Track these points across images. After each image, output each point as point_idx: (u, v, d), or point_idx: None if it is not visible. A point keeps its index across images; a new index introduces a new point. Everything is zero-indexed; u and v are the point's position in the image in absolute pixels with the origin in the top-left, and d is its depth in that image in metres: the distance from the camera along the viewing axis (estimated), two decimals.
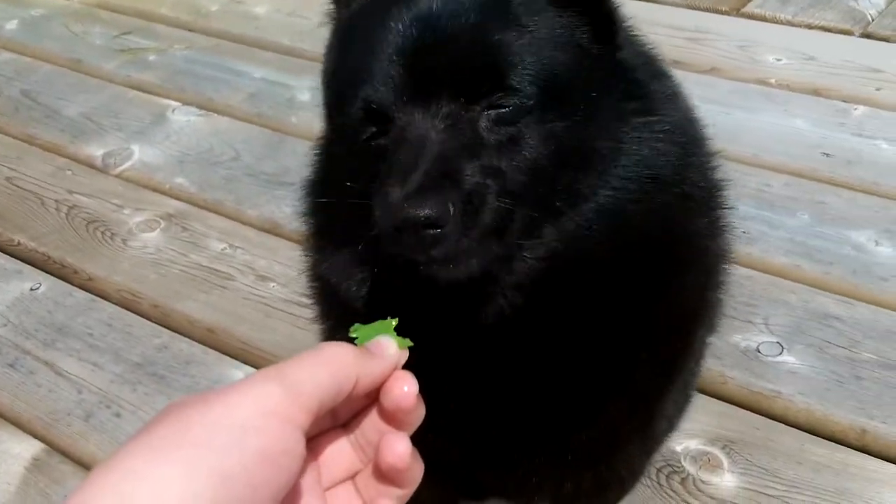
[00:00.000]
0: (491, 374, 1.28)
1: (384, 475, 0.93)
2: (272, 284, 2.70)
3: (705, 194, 1.32)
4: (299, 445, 0.83)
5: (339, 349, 0.90)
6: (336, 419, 0.96)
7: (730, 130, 3.15)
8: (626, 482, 1.70)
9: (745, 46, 3.77)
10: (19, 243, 2.95)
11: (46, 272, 2.84)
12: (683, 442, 2.16)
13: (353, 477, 0.97)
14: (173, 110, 3.63)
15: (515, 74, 1.14)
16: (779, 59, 3.70)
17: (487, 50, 1.15)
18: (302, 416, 0.83)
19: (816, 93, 3.49)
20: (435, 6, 1.17)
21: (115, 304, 2.70)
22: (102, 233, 2.97)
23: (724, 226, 1.42)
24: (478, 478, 1.54)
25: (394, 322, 1.00)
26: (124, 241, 2.94)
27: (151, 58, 4.05)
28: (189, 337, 2.57)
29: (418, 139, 1.11)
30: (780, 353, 2.38)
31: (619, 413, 1.38)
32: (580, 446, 1.40)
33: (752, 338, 2.41)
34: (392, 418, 0.94)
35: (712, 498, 2.08)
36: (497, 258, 1.16)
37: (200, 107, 3.66)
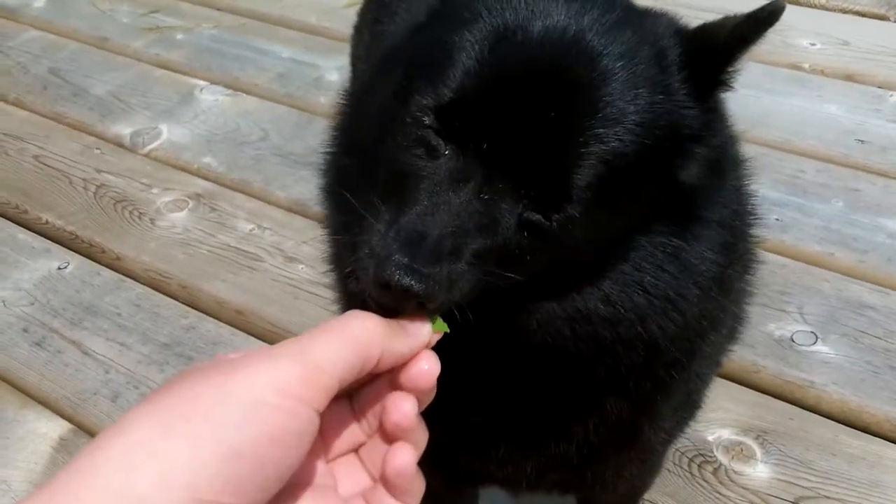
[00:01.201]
0: (472, 373, 1.26)
1: (390, 436, 0.91)
2: (300, 266, 2.69)
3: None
4: (312, 426, 0.80)
5: (367, 323, 0.88)
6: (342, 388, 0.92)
7: (761, 115, 3.12)
8: (616, 485, 1.67)
9: (779, 30, 3.67)
10: (47, 222, 2.95)
11: (74, 251, 2.83)
12: (716, 431, 2.14)
13: (356, 449, 0.94)
14: (201, 89, 3.61)
15: (581, 194, 1.04)
16: (812, 44, 3.66)
17: (579, 160, 1.04)
18: (318, 397, 0.81)
19: (850, 78, 3.45)
20: (577, 52, 1.06)
21: (143, 283, 2.70)
22: (130, 212, 2.97)
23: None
24: (467, 466, 1.53)
25: None
26: (152, 220, 2.93)
27: (179, 36, 4.04)
28: (217, 318, 2.57)
29: (456, 197, 1.03)
30: (814, 343, 2.35)
31: (594, 430, 1.36)
32: (557, 452, 1.39)
33: (785, 327, 2.38)
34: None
35: (745, 488, 2.06)
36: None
37: (227, 86, 3.65)
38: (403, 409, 0.89)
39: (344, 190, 1.19)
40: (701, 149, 1.13)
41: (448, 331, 0.97)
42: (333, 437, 0.92)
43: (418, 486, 0.90)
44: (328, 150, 1.36)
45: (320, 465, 0.90)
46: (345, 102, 1.39)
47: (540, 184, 1.04)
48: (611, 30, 1.08)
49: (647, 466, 1.68)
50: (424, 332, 0.93)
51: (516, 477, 1.48)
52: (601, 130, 1.03)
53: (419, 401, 0.91)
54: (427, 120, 1.06)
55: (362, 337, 0.86)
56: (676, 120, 1.10)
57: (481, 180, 1.03)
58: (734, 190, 1.27)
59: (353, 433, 0.94)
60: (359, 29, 2.41)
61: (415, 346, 0.91)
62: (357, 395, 0.94)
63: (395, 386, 0.92)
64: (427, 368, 0.91)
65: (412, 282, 0.94)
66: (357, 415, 0.94)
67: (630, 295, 1.14)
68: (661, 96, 1.08)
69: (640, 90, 1.07)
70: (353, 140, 1.30)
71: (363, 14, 2.37)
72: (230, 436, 0.75)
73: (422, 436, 0.92)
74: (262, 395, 0.77)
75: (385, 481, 0.89)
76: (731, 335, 1.51)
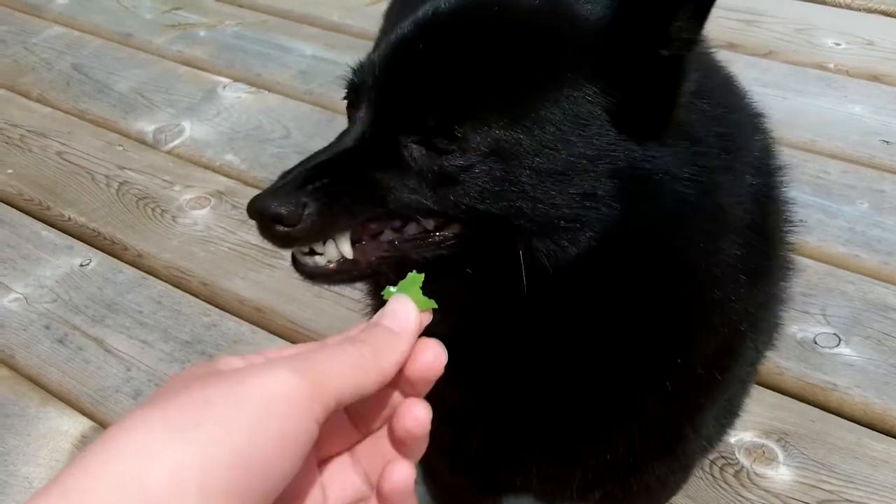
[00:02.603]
0: (507, 378, 1.25)
1: (397, 441, 0.89)
2: None
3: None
4: (313, 439, 0.80)
5: (363, 350, 0.86)
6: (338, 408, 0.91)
7: (786, 115, 3.10)
8: (659, 493, 1.66)
9: (803, 29, 3.71)
10: (70, 218, 2.96)
11: (96, 248, 2.84)
12: (738, 434, 2.12)
13: (350, 449, 0.93)
14: (224, 87, 3.62)
15: (468, 127, 1.05)
16: (837, 44, 3.64)
17: (455, 91, 1.07)
18: (321, 411, 0.80)
19: (876, 78, 3.43)
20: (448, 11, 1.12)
21: (165, 281, 2.70)
22: (153, 209, 2.97)
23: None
24: (500, 474, 1.52)
25: (420, 277, 0.94)
26: (174, 217, 2.94)
27: (201, 33, 4.04)
28: (238, 316, 2.57)
29: (338, 140, 1.11)
30: (838, 345, 2.34)
31: (634, 436, 1.35)
32: (599, 461, 1.38)
33: (808, 329, 2.37)
34: (412, 387, 0.90)
35: (767, 491, 2.05)
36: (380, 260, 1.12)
37: (250, 83, 3.65)
38: (416, 414, 0.88)
39: None
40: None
41: (436, 306, 0.93)
42: (327, 442, 0.91)
43: (412, 503, 0.89)
44: None
45: (311, 471, 0.89)
46: None
47: (419, 115, 1.08)
48: None
49: (686, 475, 1.67)
50: (410, 324, 0.90)
51: (560, 490, 1.47)
52: (456, 42, 1.10)
53: (419, 391, 0.90)
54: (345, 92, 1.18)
55: (360, 363, 0.84)
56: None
57: (365, 122, 1.11)
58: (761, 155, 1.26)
59: (348, 435, 0.93)
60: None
61: (405, 346, 0.88)
62: None
63: (393, 383, 0.89)
64: (432, 359, 0.89)
65: (267, 203, 1.03)
66: (353, 416, 0.92)
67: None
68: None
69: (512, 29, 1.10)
70: None
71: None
72: (240, 442, 0.74)
73: (424, 445, 0.91)
74: (272, 405, 0.77)
75: (380, 496, 0.88)
76: (769, 336, 1.49)
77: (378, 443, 0.92)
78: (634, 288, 1.15)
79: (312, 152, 1.11)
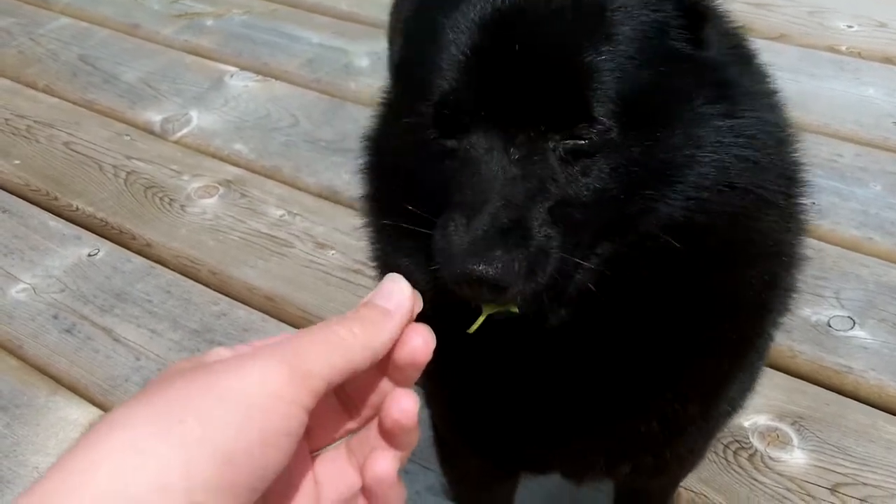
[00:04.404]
0: (548, 360, 1.23)
1: (387, 433, 0.88)
2: (331, 252, 2.67)
3: (781, 192, 1.25)
4: (301, 427, 0.79)
5: (354, 328, 0.84)
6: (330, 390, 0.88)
7: (798, 98, 3.05)
8: (687, 462, 1.65)
9: (815, 12, 3.68)
10: (77, 209, 2.95)
11: (104, 238, 2.83)
12: (752, 417, 2.11)
13: (344, 439, 0.92)
14: (231, 76, 3.60)
15: (601, 104, 1.04)
16: (850, 26, 3.60)
17: (577, 74, 1.05)
18: (308, 398, 0.79)
19: (889, 60, 3.40)
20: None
21: (174, 270, 2.69)
22: (161, 199, 2.96)
23: (799, 214, 1.35)
24: (532, 455, 1.50)
25: None
26: (182, 207, 2.93)
27: (209, 23, 4.03)
28: (247, 304, 2.56)
29: (489, 171, 1.03)
30: (852, 328, 2.31)
31: (676, 403, 1.33)
32: (637, 433, 1.36)
33: (822, 312, 2.34)
34: (400, 372, 0.89)
35: (781, 475, 2.03)
36: (551, 286, 1.07)
37: (258, 72, 3.63)
38: (404, 405, 0.87)
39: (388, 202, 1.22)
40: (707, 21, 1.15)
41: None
42: (319, 430, 0.89)
43: (397, 494, 0.88)
44: (368, 156, 1.33)
45: (303, 461, 0.88)
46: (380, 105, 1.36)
47: (554, 111, 1.04)
48: None
49: (700, 447, 1.64)
50: (403, 303, 0.88)
51: (590, 466, 1.46)
52: (583, 39, 1.06)
53: (409, 377, 0.89)
54: (429, 119, 1.08)
55: (348, 341, 0.83)
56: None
57: (501, 143, 1.04)
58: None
59: (341, 423, 0.91)
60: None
61: (396, 325, 0.87)
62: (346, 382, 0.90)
63: (383, 369, 0.88)
64: (421, 343, 0.87)
65: (482, 268, 0.95)
66: (345, 403, 0.91)
67: (715, 187, 1.13)
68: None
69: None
70: (385, 154, 1.29)
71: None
72: (224, 438, 0.73)
73: (415, 436, 0.89)
74: (254, 398, 0.76)
75: (364, 487, 0.87)
76: (788, 297, 1.47)
77: (371, 434, 0.90)
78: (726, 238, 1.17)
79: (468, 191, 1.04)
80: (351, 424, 0.91)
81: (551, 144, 1.04)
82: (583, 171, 1.06)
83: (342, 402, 0.91)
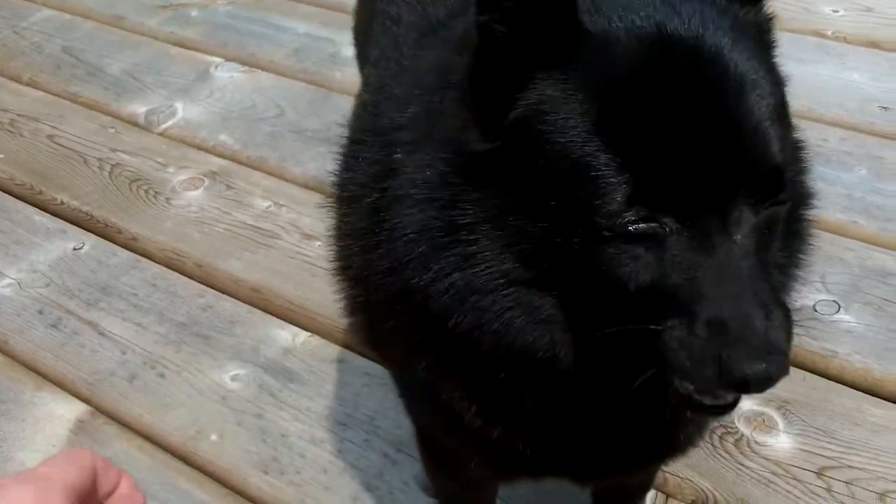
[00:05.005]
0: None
1: None
2: (317, 243, 2.66)
3: None
4: None
5: (86, 454, 0.96)
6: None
7: None
8: (695, 440, 1.66)
9: None
10: (62, 202, 2.94)
11: (90, 231, 2.82)
12: None
13: None
14: (216, 67, 3.59)
15: (786, 169, 1.04)
16: (835, 11, 3.60)
17: (775, 145, 1.03)
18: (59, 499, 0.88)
19: (874, 45, 3.40)
20: (728, 81, 1.03)
21: (159, 263, 2.69)
22: (146, 191, 2.95)
23: None
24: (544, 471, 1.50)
25: None
26: (168, 199, 2.92)
27: (194, 13, 4.01)
28: (233, 296, 2.55)
29: (726, 262, 0.99)
30: (837, 312, 2.32)
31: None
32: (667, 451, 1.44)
33: (807, 296, 2.34)
34: None
35: (767, 459, 2.03)
36: None
37: (243, 63, 3.62)
38: None
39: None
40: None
41: None
42: None
43: None
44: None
45: None
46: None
47: (757, 181, 1.01)
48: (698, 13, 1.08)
49: None
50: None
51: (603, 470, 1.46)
52: (760, 103, 1.03)
53: None
54: (629, 216, 1.00)
55: (82, 461, 0.94)
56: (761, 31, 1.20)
57: (721, 225, 1.00)
58: None
59: None
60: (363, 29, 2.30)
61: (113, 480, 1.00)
62: None
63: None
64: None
65: (772, 368, 0.94)
66: None
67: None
68: (752, 30, 1.15)
69: (746, 41, 1.09)
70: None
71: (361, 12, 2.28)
72: None
73: None
74: None
75: None
76: None
77: None
78: None
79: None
80: None
81: (759, 217, 1.03)
82: (772, 233, 1.07)
83: None
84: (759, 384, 0.95)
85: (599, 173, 0.99)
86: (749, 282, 0.98)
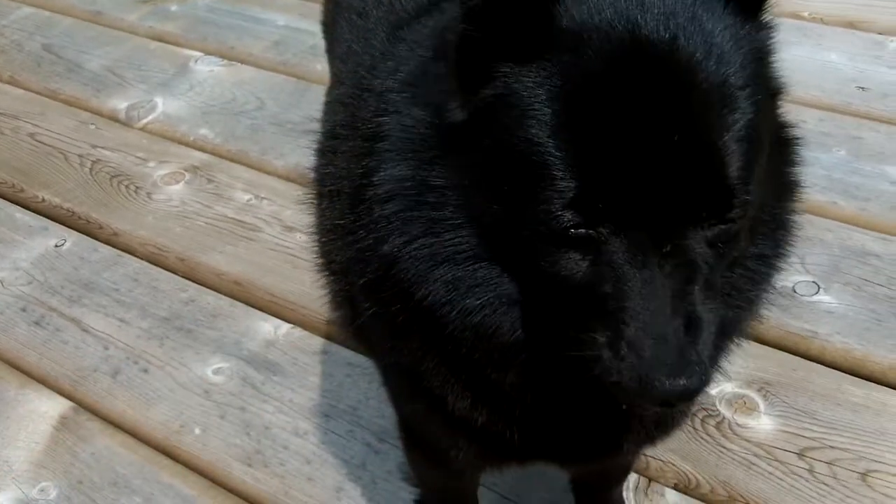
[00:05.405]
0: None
1: None
2: (298, 235, 2.66)
3: None
4: None
5: None
6: None
7: None
8: (685, 420, 1.68)
9: None
10: (44, 200, 2.94)
11: (71, 228, 2.82)
12: (718, 385, 2.11)
13: None
14: (196, 61, 3.59)
15: (742, 190, 1.03)
16: None
17: (733, 164, 1.02)
18: None
19: (851, 25, 3.41)
20: (694, 94, 1.01)
21: (141, 258, 2.69)
22: (127, 187, 2.95)
23: None
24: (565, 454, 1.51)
25: None
26: (149, 194, 2.92)
27: (173, 8, 4.00)
28: (216, 290, 2.56)
29: (651, 277, 1.00)
30: (817, 293, 2.33)
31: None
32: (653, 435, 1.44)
33: (787, 277, 2.35)
34: None
35: (749, 441, 2.04)
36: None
37: (223, 56, 3.62)
38: None
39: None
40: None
41: None
42: None
43: None
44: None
45: None
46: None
47: (703, 200, 1.01)
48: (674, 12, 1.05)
49: None
50: None
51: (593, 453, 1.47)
52: (726, 119, 1.02)
53: None
54: (567, 220, 1.01)
55: None
56: (756, 46, 1.14)
57: (658, 235, 1.01)
58: None
59: None
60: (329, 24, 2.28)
61: None
62: None
63: None
64: None
65: (691, 383, 0.96)
66: None
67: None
68: (744, 45, 1.08)
69: (729, 51, 1.06)
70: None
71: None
72: None
73: None
74: None
75: None
76: None
77: None
78: None
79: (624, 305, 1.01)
80: None
81: (702, 232, 1.03)
82: (726, 247, 1.07)
83: None
84: (679, 400, 0.98)
85: (546, 173, 1.00)
86: (670, 300, 0.99)
